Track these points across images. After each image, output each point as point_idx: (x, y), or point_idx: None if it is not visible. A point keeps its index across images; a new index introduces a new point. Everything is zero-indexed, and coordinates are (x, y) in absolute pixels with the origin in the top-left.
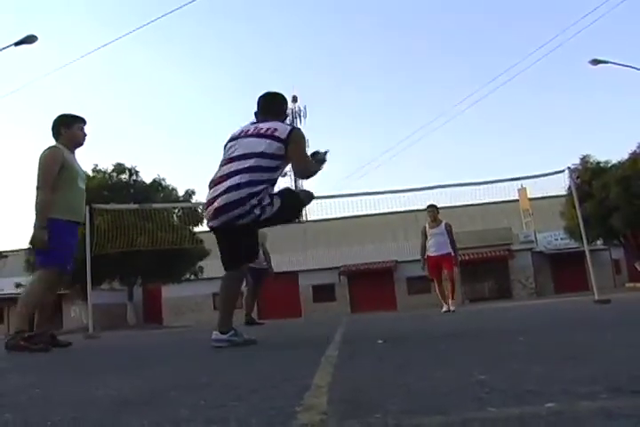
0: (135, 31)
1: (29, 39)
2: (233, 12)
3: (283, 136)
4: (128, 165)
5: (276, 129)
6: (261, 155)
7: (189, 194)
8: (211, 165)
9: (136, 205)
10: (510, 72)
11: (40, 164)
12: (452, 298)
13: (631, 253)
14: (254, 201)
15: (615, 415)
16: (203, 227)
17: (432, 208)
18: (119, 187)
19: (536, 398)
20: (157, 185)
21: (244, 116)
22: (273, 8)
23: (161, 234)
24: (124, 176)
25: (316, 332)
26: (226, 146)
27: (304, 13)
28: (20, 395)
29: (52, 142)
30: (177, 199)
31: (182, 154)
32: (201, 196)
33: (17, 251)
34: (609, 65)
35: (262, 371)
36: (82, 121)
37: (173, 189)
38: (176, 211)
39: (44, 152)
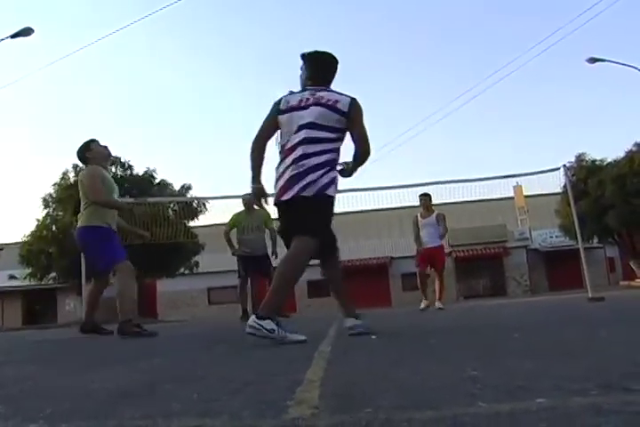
0: (127, 27)
1: (26, 32)
2: (233, 3)
3: (343, 108)
4: (122, 159)
5: (337, 101)
6: (323, 127)
7: (185, 189)
8: (207, 160)
9: (131, 199)
10: (505, 70)
11: (82, 182)
12: (441, 297)
13: (626, 252)
14: (317, 174)
15: (605, 412)
16: (198, 221)
17: (425, 197)
18: (114, 180)
19: (527, 393)
20: (149, 177)
21: (242, 109)
22: (274, 1)
23: (156, 228)
24: (119, 171)
25: (310, 327)
26: (282, 112)
27: (304, 7)
28: (15, 387)
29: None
30: (172, 193)
31: (177, 149)
32: (197, 191)
33: (11, 244)
34: (606, 63)
35: (255, 365)
36: (96, 141)
37: (168, 185)
38: (171, 205)
39: (82, 172)
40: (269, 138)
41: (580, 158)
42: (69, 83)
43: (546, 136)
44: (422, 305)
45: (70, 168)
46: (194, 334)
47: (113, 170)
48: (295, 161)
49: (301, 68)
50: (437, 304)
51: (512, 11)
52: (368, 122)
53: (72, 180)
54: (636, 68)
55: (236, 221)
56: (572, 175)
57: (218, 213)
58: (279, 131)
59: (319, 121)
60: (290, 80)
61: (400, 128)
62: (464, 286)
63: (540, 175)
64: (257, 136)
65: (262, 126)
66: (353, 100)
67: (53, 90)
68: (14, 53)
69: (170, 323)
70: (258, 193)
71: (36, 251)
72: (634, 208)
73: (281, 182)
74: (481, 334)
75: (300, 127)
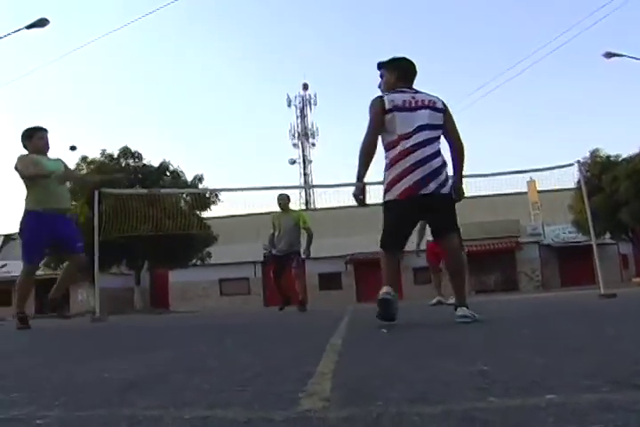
0: (141, 19)
1: (41, 22)
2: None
3: (441, 106)
4: (133, 150)
5: (434, 101)
6: (434, 126)
7: (198, 179)
8: (218, 151)
9: (145, 190)
10: (521, 65)
11: (17, 167)
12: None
13: (639, 248)
14: (445, 173)
15: (614, 408)
16: (211, 212)
17: None
18: (127, 171)
19: (538, 389)
20: (165, 169)
21: (252, 102)
22: None
23: (168, 220)
24: (131, 161)
25: (321, 320)
26: (388, 111)
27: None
28: (29, 376)
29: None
30: (185, 184)
31: (190, 140)
32: (209, 181)
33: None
34: (623, 58)
35: (267, 357)
36: (40, 130)
37: (181, 174)
38: (184, 196)
39: (17, 158)
40: (378, 137)
41: (594, 154)
42: (81, 74)
43: (560, 132)
44: (433, 300)
45: (79, 160)
46: (205, 325)
47: (129, 162)
48: (428, 158)
49: (381, 75)
50: (451, 300)
51: (529, 5)
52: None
53: (84, 170)
54: None
55: (274, 221)
56: (587, 171)
57: (231, 205)
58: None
59: (432, 122)
60: (300, 72)
61: None
62: (476, 280)
63: (554, 171)
64: (370, 132)
65: (373, 123)
66: (443, 100)
67: (66, 82)
68: (29, 44)
69: (181, 314)
70: (363, 192)
71: None
72: None
73: (416, 178)
74: (491, 328)
75: (421, 128)
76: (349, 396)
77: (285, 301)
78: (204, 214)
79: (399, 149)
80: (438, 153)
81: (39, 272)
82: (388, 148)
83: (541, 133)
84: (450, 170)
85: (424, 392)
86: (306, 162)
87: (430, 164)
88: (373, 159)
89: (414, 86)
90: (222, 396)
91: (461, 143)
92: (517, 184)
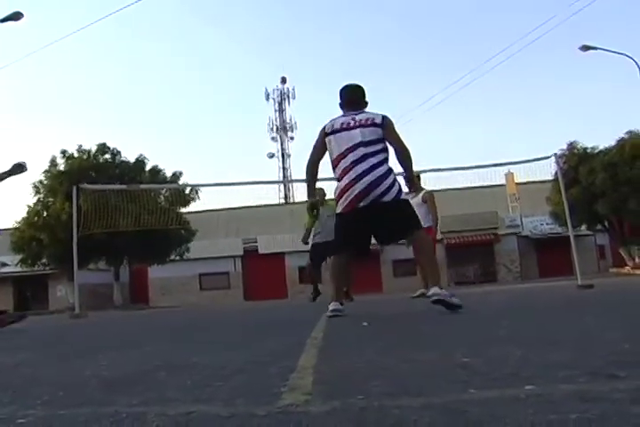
0: (121, 11)
1: (15, 16)
2: None
3: (379, 122)
4: (111, 146)
5: (373, 118)
6: (373, 142)
7: (177, 175)
8: (196, 145)
9: (124, 186)
10: (497, 58)
11: None
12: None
13: (615, 239)
14: (388, 181)
15: (591, 398)
16: (190, 208)
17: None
18: (105, 167)
19: (516, 380)
20: (142, 164)
21: (230, 95)
22: None
23: (147, 215)
24: (108, 156)
25: (303, 314)
26: (327, 134)
27: None
28: (10, 374)
29: None
30: (164, 180)
31: (168, 135)
32: (187, 176)
33: (2, 230)
34: (599, 51)
35: (248, 352)
36: None
37: (160, 170)
38: (163, 191)
39: None
40: (320, 159)
41: (571, 146)
42: (58, 69)
43: (538, 124)
44: (417, 293)
45: (58, 155)
46: (186, 320)
47: (106, 157)
48: (364, 173)
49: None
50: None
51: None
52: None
53: (62, 167)
54: (628, 55)
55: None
56: (564, 163)
57: (208, 200)
58: (328, 151)
59: (367, 138)
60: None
61: (393, 115)
62: (455, 272)
63: (532, 163)
64: (310, 158)
65: (313, 149)
66: (384, 115)
67: (41, 76)
68: (2, 38)
69: (161, 309)
70: (313, 205)
71: (27, 237)
72: (624, 196)
73: (355, 192)
74: (471, 321)
75: (356, 146)
76: (331, 390)
77: (317, 291)
78: (183, 209)
79: (340, 167)
80: (378, 164)
81: (16, 269)
82: (333, 167)
83: (519, 126)
84: (394, 179)
85: (405, 385)
86: (284, 156)
87: (367, 178)
88: (318, 175)
89: (367, 107)
90: (205, 392)
91: (404, 149)
92: (495, 176)
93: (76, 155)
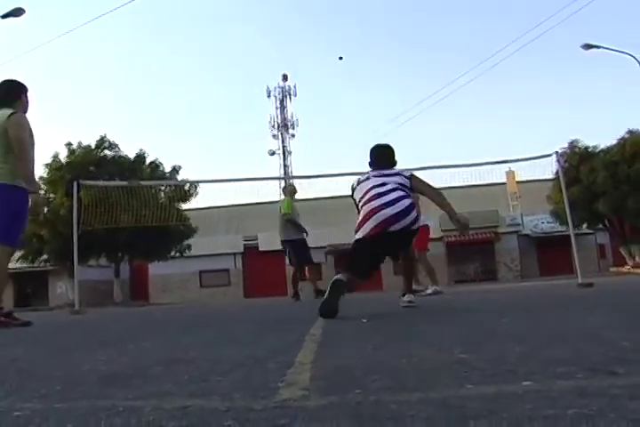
0: (121, 8)
1: (17, 12)
2: None
3: (407, 175)
4: (108, 138)
5: (402, 172)
6: (400, 186)
7: (176, 170)
8: (197, 142)
9: (124, 182)
10: (500, 54)
11: (16, 130)
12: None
13: (616, 238)
14: (414, 212)
15: (588, 394)
16: (190, 204)
17: None
18: (104, 163)
19: (514, 376)
20: (142, 160)
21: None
22: None
23: (148, 211)
24: (109, 152)
25: (301, 310)
26: (354, 189)
27: None
28: (7, 368)
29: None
30: (163, 175)
31: (169, 131)
32: (187, 172)
33: None
34: (601, 50)
35: (247, 348)
36: (28, 90)
37: (159, 165)
38: (163, 187)
39: (14, 117)
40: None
41: (572, 145)
42: (58, 65)
43: (540, 122)
44: (428, 291)
45: (64, 149)
46: (185, 317)
47: (106, 152)
48: (394, 201)
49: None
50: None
51: None
52: (366, 104)
53: (63, 161)
54: (630, 54)
55: (294, 207)
56: (565, 161)
57: (209, 197)
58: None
59: (395, 180)
60: (281, 63)
61: (392, 113)
62: (455, 270)
63: (533, 161)
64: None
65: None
66: (412, 173)
67: (41, 72)
68: (4, 34)
69: (161, 306)
70: None
71: (27, 233)
72: (625, 195)
73: (385, 216)
74: (471, 318)
75: (384, 184)
76: (328, 385)
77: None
78: (184, 206)
79: (363, 202)
80: (402, 198)
81: (16, 265)
82: (359, 209)
83: (521, 124)
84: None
85: (402, 381)
86: (285, 153)
87: (394, 206)
88: None
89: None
90: (202, 386)
91: (435, 192)
92: (496, 175)
93: (76, 150)
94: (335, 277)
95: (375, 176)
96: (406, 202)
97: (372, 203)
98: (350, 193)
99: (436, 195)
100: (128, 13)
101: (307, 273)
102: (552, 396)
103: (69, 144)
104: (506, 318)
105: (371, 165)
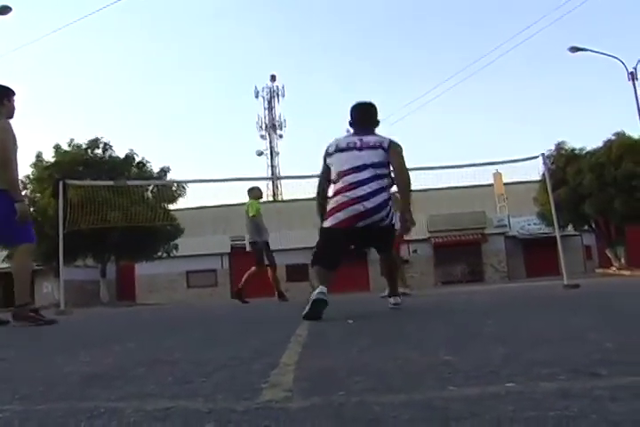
0: (105, 8)
1: (3, 10)
2: None
3: (386, 146)
4: (103, 140)
5: (380, 142)
6: (378, 164)
7: (164, 171)
8: (185, 142)
9: (111, 182)
10: (487, 58)
11: (0, 139)
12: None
13: (602, 240)
14: (388, 208)
15: (571, 396)
16: (177, 205)
17: None
18: (93, 162)
19: (497, 378)
20: (130, 160)
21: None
22: None
23: (135, 210)
24: (99, 151)
25: (287, 311)
26: (330, 154)
27: None
28: None
29: None
30: (151, 175)
31: (157, 131)
32: (175, 173)
33: None
34: (588, 53)
35: (231, 349)
36: (15, 94)
37: (146, 164)
38: (150, 187)
39: None
40: (328, 182)
41: (559, 147)
42: (46, 63)
43: (527, 124)
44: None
45: (51, 149)
46: (171, 317)
47: (96, 152)
48: (368, 196)
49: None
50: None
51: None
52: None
53: (51, 160)
54: (617, 57)
55: (259, 209)
56: (552, 163)
57: (198, 196)
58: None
59: (373, 160)
60: (268, 63)
61: (382, 114)
62: (442, 271)
63: (520, 163)
64: (319, 181)
65: (320, 174)
66: (391, 140)
67: (28, 70)
68: None
69: (147, 306)
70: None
71: None
72: (611, 197)
73: (355, 212)
74: (456, 319)
75: (363, 167)
76: (312, 387)
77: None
78: (171, 206)
79: (340, 183)
80: (381, 190)
81: (2, 265)
82: (333, 182)
83: (508, 126)
84: (390, 209)
85: (386, 382)
86: (273, 154)
87: (370, 200)
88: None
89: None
90: (185, 388)
91: (405, 178)
92: (483, 176)
93: (67, 148)
94: (316, 295)
95: (356, 148)
96: (382, 196)
97: (348, 194)
98: (326, 151)
99: (401, 180)
100: (117, 13)
101: (269, 275)
102: (535, 397)
103: (58, 147)
104: (491, 320)
105: (351, 124)
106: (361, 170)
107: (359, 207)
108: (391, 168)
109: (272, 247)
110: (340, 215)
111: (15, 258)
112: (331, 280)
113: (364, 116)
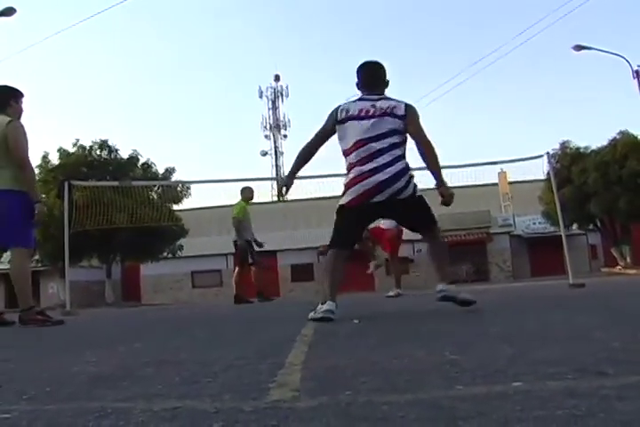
0: (110, 9)
1: (8, 11)
2: None
3: (402, 113)
4: (110, 142)
5: (395, 107)
6: (394, 132)
7: (169, 171)
8: (190, 142)
9: (115, 182)
10: (490, 57)
11: (15, 139)
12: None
13: (608, 239)
14: (407, 177)
15: (578, 395)
16: (182, 205)
17: None
18: (98, 163)
19: (504, 377)
20: (135, 161)
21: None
22: None
23: (140, 211)
24: (104, 153)
25: (293, 311)
26: (340, 122)
27: None
28: None
29: None
30: (156, 176)
31: (162, 132)
32: (180, 173)
33: None
34: (592, 51)
35: (237, 349)
36: (23, 95)
37: (150, 165)
38: (155, 188)
39: (13, 125)
40: (321, 144)
41: (564, 146)
42: (51, 65)
43: (532, 123)
44: (393, 293)
45: (53, 150)
46: (177, 317)
47: (99, 153)
48: (384, 166)
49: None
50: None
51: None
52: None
53: (56, 162)
54: (621, 56)
55: (246, 211)
56: (556, 162)
57: (202, 197)
58: (338, 138)
59: (392, 127)
60: (272, 63)
61: None
62: None
63: (525, 162)
64: (312, 139)
65: (319, 131)
66: (407, 104)
67: (33, 72)
68: None
69: (153, 306)
70: (287, 185)
71: None
72: (616, 196)
73: (370, 185)
74: (462, 319)
75: (379, 136)
76: (319, 386)
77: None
78: (175, 207)
79: (354, 156)
80: (397, 159)
81: (7, 266)
82: (345, 155)
83: (512, 125)
84: (411, 178)
85: (393, 382)
86: (277, 154)
87: (384, 171)
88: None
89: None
90: (192, 388)
91: (427, 143)
92: (488, 175)
93: (72, 150)
94: (322, 313)
95: (368, 116)
96: (399, 166)
97: (362, 168)
98: (333, 115)
99: (427, 150)
100: (121, 15)
101: (252, 275)
102: (542, 396)
103: (62, 150)
104: (497, 319)
105: (359, 87)
106: (374, 140)
107: (374, 179)
108: (407, 135)
109: (277, 247)
110: (354, 191)
111: (12, 262)
112: (341, 279)
113: (373, 76)
